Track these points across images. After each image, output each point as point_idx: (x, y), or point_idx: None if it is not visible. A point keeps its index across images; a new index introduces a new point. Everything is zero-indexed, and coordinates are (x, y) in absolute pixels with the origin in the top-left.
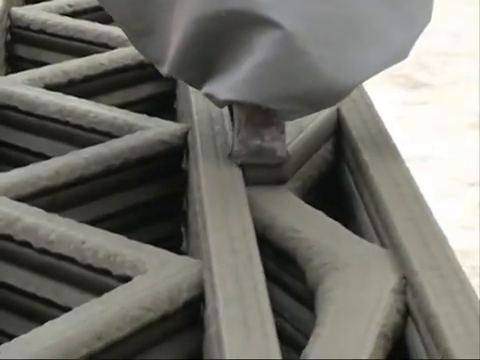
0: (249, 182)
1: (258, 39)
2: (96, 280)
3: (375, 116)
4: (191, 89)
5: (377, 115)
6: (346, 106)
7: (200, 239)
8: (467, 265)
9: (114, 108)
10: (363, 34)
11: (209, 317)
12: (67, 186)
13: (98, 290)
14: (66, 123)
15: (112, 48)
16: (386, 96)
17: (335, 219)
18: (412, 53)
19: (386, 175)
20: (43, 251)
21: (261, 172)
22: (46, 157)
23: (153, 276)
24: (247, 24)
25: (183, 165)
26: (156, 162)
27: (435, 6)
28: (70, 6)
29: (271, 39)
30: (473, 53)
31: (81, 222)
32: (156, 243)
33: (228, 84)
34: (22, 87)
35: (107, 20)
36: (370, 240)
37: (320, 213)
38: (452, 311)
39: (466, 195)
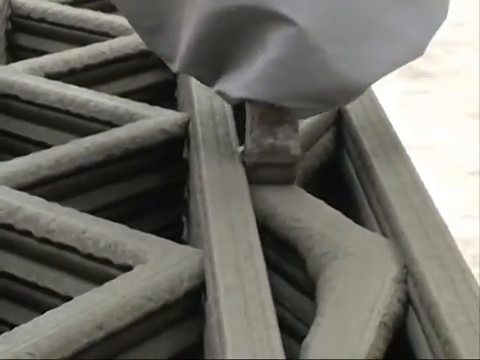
0: (261, 181)
1: (271, 35)
2: (97, 269)
3: (376, 105)
4: (192, 78)
5: (378, 104)
6: None
7: (201, 228)
8: (468, 254)
9: (115, 97)
10: (377, 31)
11: (210, 306)
12: (68, 175)
13: (99, 279)
14: (67, 112)
15: (113, 37)
16: (387, 85)
17: (336, 208)
18: None
19: (387, 164)
20: (44, 240)
21: (274, 171)
22: (47, 146)
23: (154, 265)
24: (259, 20)
25: (184, 154)
26: (157, 151)
27: None
28: None
29: (284, 35)
30: (475, 42)
31: (82, 211)
32: (157, 232)
33: (241, 82)
34: (23, 76)
35: (108, 9)
36: (371, 229)
37: (321, 202)
38: (453, 300)
39: (467, 184)
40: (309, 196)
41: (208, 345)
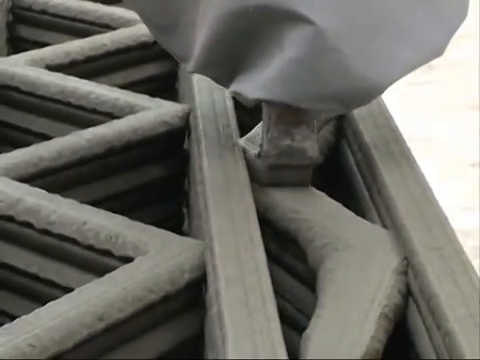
0: (276, 183)
1: (288, 35)
2: (98, 261)
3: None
4: None
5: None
6: None
7: (202, 220)
8: (469, 246)
9: (116, 89)
10: (396, 31)
11: (211, 298)
12: (69, 167)
13: (100, 271)
14: (68, 104)
15: (114, 29)
16: None
17: (336, 200)
18: None
19: (387, 156)
20: (45, 232)
21: (290, 173)
22: (48, 138)
23: (155, 257)
24: (276, 20)
25: (185, 146)
26: (158, 143)
27: None
28: None
29: (302, 35)
30: (475, 35)
31: (83, 203)
32: (158, 224)
33: (258, 82)
34: (24, 68)
35: (109, 0)
36: (372, 221)
37: (322, 194)
38: (453, 292)
39: (467, 176)
40: (310, 188)
41: (209, 336)
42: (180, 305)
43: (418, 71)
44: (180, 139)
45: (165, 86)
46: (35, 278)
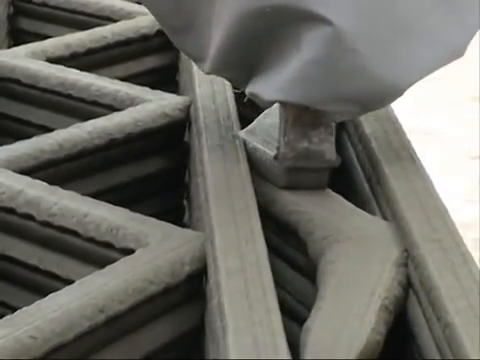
0: (293, 186)
1: (306, 36)
2: (98, 253)
3: None
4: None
5: None
6: None
7: (202, 212)
8: (469, 238)
9: (116, 81)
10: (416, 32)
11: (211, 290)
12: (70, 159)
13: (100, 263)
14: (68, 96)
15: (114, 21)
16: None
17: (337, 192)
18: None
19: (388, 148)
20: (46, 224)
21: (307, 176)
22: (49, 130)
23: (155, 249)
24: (294, 20)
25: (185, 138)
26: (158, 135)
27: None
28: None
29: (320, 36)
30: None
31: (84, 195)
32: (158, 216)
33: (275, 83)
34: (25, 60)
35: None
36: (372, 213)
37: None
38: (453, 283)
39: (468, 168)
40: None
41: (209, 328)
42: (181, 297)
43: None
44: (181, 131)
45: (166, 78)
46: (36, 270)
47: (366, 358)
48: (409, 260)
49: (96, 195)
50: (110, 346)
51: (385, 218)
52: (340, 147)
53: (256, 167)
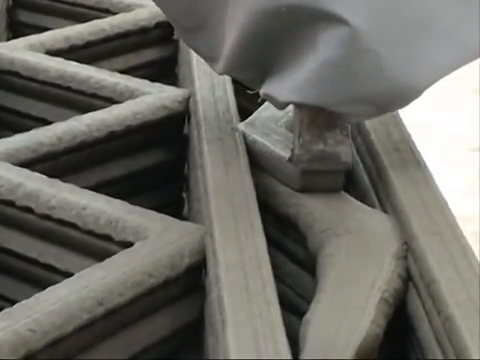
0: (307, 189)
1: (322, 36)
2: (98, 246)
3: None
4: (193, 54)
5: None
6: None
7: (201, 204)
8: (469, 231)
9: (115, 74)
10: (435, 31)
11: (210, 283)
12: (69, 152)
13: (100, 256)
14: (68, 88)
15: (114, 13)
16: None
17: None
18: None
19: (388, 140)
20: (45, 217)
21: (321, 179)
22: (47, 122)
23: (155, 242)
24: (310, 20)
25: (185, 130)
26: (158, 127)
27: None
28: None
29: (336, 36)
30: None
31: (83, 188)
32: (158, 208)
33: (290, 84)
34: (23, 53)
35: None
36: (371, 205)
37: None
38: (453, 276)
39: (468, 161)
40: None
41: (209, 321)
42: (180, 290)
43: None
44: (180, 124)
45: (165, 71)
46: (35, 263)
47: (366, 351)
48: (409, 253)
49: (95, 188)
50: (109, 339)
51: (385, 211)
52: None
53: (268, 168)
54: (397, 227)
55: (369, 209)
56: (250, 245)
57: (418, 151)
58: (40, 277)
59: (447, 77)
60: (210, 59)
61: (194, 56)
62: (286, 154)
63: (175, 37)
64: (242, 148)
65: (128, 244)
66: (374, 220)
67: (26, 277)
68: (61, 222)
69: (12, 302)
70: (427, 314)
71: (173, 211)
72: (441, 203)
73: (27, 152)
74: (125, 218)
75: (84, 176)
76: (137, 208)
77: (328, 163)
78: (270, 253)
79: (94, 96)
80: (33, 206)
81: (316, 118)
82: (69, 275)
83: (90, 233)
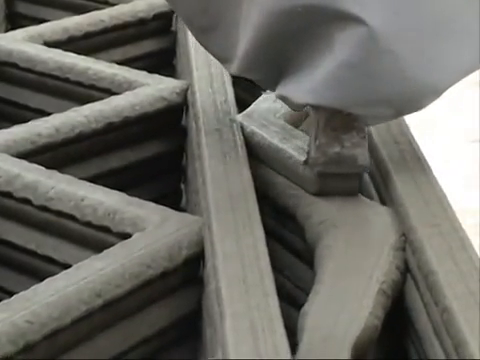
0: (323, 192)
1: (339, 36)
2: (96, 237)
3: None
4: (191, 45)
5: None
6: None
7: (199, 196)
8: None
9: (114, 65)
10: (452, 31)
11: (209, 274)
12: (67, 143)
13: (98, 247)
14: (66, 80)
15: (112, 5)
16: None
17: None
18: None
19: (386, 132)
20: (43, 208)
21: (337, 182)
22: (46, 114)
23: (153, 233)
24: (327, 20)
25: (183, 122)
26: (156, 119)
27: None
28: None
29: (353, 37)
30: None
31: (81, 179)
32: (156, 200)
33: (306, 86)
34: (22, 44)
35: None
36: (370, 197)
37: None
38: (451, 268)
39: (467, 152)
40: None
41: (207, 312)
42: (178, 281)
43: None
44: (178, 115)
45: (163, 62)
46: (33, 254)
47: (364, 342)
48: (407, 245)
49: (93, 179)
50: (107, 330)
51: (383, 203)
52: None
53: (285, 172)
54: (395, 219)
55: (367, 201)
56: (248, 236)
57: (417, 144)
58: (38, 268)
59: None
60: (223, 60)
61: (192, 48)
62: (300, 156)
63: (173, 28)
64: (240, 140)
65: (126, 235)
66: (372, 212)
67: (24, 268)
68: (59, 213)
69: (10, 293)
70: (425, 306)
71: (171, 202)
72: (440, 195)
73: (25, 143)
74: (123, 209)
75: (82, 167)
76: (135, 199)
77: (344, 166)
78: (268, 244)
79: (92, 87)
80: (31, 197)
81: (332, 120)
82: (67, 266)
83: (88, 224)
